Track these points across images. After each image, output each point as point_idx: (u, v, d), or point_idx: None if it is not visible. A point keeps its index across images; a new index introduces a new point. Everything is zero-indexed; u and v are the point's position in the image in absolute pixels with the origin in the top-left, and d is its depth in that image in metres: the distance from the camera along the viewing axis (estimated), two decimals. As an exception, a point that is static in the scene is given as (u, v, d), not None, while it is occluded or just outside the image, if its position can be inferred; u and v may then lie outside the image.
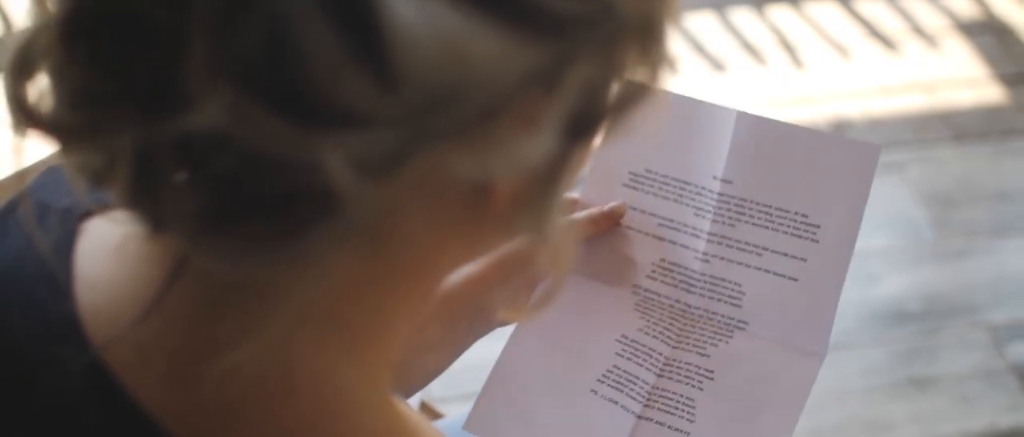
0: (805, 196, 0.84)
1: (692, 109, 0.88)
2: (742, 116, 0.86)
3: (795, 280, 0.84)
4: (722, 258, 0.85)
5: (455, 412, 1.08)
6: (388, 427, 0.58)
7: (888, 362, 1.81)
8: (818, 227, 0.84)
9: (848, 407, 1.75)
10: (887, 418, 1.74)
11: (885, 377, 1.79)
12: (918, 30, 2.41)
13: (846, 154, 0.85)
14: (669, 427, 0.82)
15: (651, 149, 0.88)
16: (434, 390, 0.96)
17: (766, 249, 0.84)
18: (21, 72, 0.50)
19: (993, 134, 2.19)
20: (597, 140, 0.54)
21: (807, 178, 0.85)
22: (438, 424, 1.04)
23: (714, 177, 0.86)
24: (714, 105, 0.87)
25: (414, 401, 1.07)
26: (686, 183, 0.87)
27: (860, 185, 0.84)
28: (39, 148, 0.55)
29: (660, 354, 0.84)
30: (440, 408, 1.29)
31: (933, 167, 2.12)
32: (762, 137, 0.86)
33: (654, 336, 0.85)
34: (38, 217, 0.59)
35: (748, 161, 0.86)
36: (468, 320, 0.85)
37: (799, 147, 0.85)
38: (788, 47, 2.37)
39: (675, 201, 0.87)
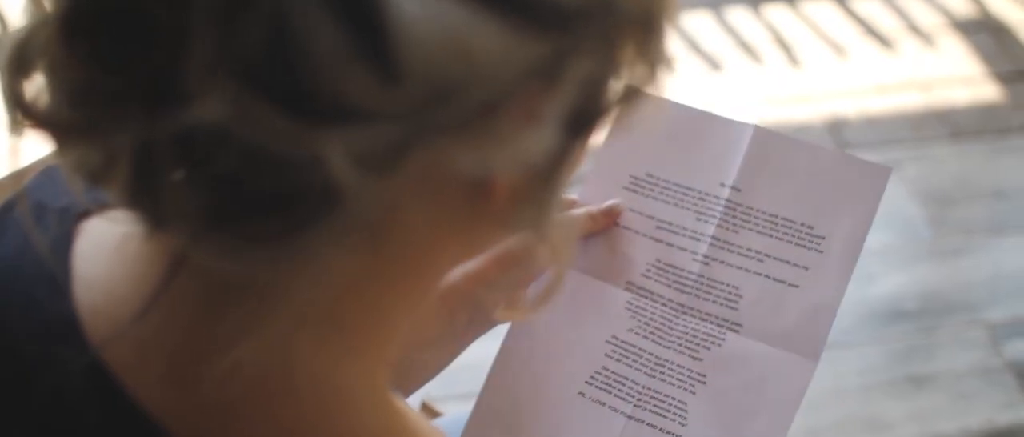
0: (813, 208, 0.86)
1: (704, 121, 0.89)
2: (759, 130, 0.88)
3: (796, 286, 0.84)
4: (722, 262, 0.86)
5: (454, 411, 1.08)
6: (387, 426, 0.58)
7: (885, 360, 1.81)
8: (823, 238, 0.85)
9: (846, 406, 1.75)
10: (885, 416, 1.74)
11: (883, 375, 1.79)
12: (914, 29, 2.41)
13: (857, 173, 0.86)
14: (661, 429, 0.83)
15: (655, 155, 0.89)
16: (433, 389, 0.96)
17: (768, 256, 0.85)
18: (18, 70, 0.49)
19: (990, 132, 2.19)
20: (597, 138, 0.54)
21: (816, 192, 0.86)
22: (437, 423, 1.04)
23: (722, 184, 0.87)
24: (730, 119, 0.89)
25: (414, 400, 1.07)
26: (689, 189, 0.88)
27: (869, 203, 0.85)
28: (36, 148, 0.55)
29: (651, 354, 0.85)
30: (439, 407, 1.29)
31: (930, 165, 2.12)
32: (776, 151, 0.87)
33: (645, 336, 0.85)
34: (36, 217, 0.59)
35: (759, 172, 0.87)
36: (467, 316, 0.85)
37: (811, 163, 0.87)
38: (784, 46, 2.37)
39: (675, 205, 0.87)
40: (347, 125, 0.45)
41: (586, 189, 0.90)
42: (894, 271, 1.93)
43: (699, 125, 0.89)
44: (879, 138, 2.16)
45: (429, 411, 1.28)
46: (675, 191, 0.88)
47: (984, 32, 2.40)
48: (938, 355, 1.82)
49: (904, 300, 1.89)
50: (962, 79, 2.30)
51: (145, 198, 0.49)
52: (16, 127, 0.50)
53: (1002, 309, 1.88)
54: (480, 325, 0.86)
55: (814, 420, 1.72)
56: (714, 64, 2.33)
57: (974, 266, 1.95)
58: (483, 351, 0.92)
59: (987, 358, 1.81)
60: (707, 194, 0.87)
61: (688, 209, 0.87)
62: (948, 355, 1.82)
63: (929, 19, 2.43)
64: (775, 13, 2.43)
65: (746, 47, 2.36)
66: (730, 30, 2.40)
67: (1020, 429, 1.73)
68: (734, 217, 0.86)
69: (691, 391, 0.83)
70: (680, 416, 0.83)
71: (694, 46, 2.35)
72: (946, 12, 2.44)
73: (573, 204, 0.89)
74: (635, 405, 0.84)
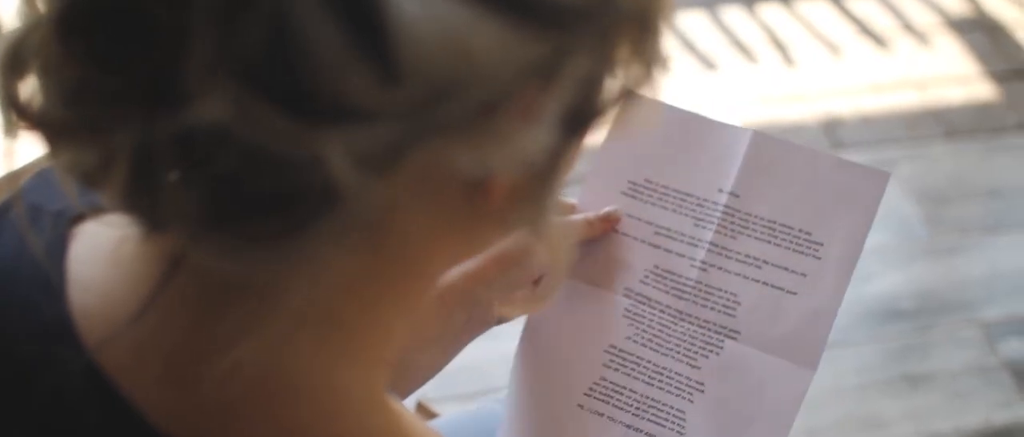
0: (811, 214, 0.85)
1: (702, 126, 0.89)
2: (757, 135, 0.87)
3: (794, 293, 0.84)
4: (720, 268, 0.86)
5: (450, 412, 1.08)
6: (385, 427, 0.58)
7: (882, 359, 1.81)
8: (821, 244, 0.85)
9: (843, 405, 1.75)
10: (882, 415, 1.74)
11: (879, 374, 1.79)
12: (909, 28, 2.41)
13: (855, 178, 0.86)
14: None
15: (653, 160, 0.89)
16: (429, 390, 0.96)
17: (766, 262, 0.85)
18: (12, 71, 0.49)
19: (984, 131, 2.19)
20: (593, 139, 0.54)
21: (815, 197, 0.86)
22: (433, 424, 1.04)
23: (720, 190, 0.87)
24: (728, 125, 0.89)
25: (410, 401, 1.06)
26: (688, 195, 0.88)
27: (867, 208, 0.85)
28: (32, 150, 0.55)
29: (649, 362, 0.85)
30: (435, 408, 1.29)
31: (925, 164, 2.12)
32: (774, 156, 0.87)
33: (643, 344, 0.85)
34: (31, 219, 0.59)
35: (758, 178, 0.87)
36: (465, 316, 0.85)
37: (809, 168, 0.87)
38: (779, 45, 2.37)
39: (674, 211, 0.87)
40: (347, 125, 0.45)
41: (584, 194, 0.89)
42: (890, 270, 1.93)
43: (697, 130, 0.89)
44: (874, 137, 2.17)
45: (425, 412, 1.27)
46: (673, 197, 0.88)
47: (979, 31, 2.41)
48: (934, 354, 1.82)
49: (900, 299, 1.89)
50: (957, 78, 2.30)
51: (143, 199, 0.49)
52: (11, 129, 0.50)
53: (998, 308, 1.88)
54: (478, 325, 0.86)
55: (812, 420, 1.72)
56: (709, 63, 2.33)
57: (969, 265, 1.95)
58: (481, 352, 0.92)
59: (983, 357, 1.81)
60: (705, 200, 0.87)
61: (686, 215, 0.87)
62: (944, 354, 1.82)
63: (924, 18, 2.43)
64: (770, 12, 2.43)
65: (741, 46, 2.37)
66: (725, 29, 2.40)
67: (1016, 428, 1.73)
68: (732, 223, 0.86)
69: (689, 399, 0.83)
70: (678, 424, 0.83)
71: (689, 45, 2.35)
72: (941, 11, 2.45)
73: (572, 209, 0.89)
74: (633, 414, 0.84)
